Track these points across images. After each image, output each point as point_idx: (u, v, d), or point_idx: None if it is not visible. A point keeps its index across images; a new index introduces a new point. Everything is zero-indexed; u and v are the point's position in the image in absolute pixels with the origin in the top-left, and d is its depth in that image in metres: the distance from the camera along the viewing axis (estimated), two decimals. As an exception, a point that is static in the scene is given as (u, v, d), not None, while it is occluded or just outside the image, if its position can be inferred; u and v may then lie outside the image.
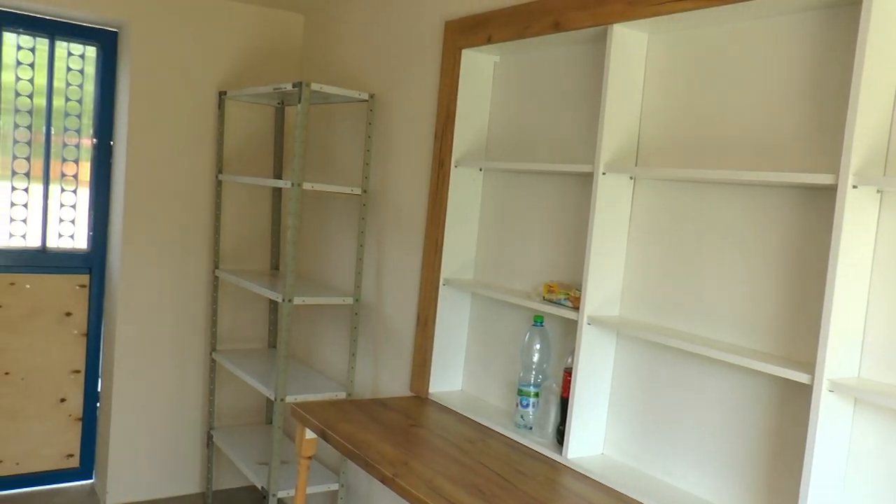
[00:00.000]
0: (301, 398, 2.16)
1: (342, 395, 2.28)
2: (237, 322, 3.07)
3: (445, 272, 1.98)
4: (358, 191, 2.26)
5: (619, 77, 1.48)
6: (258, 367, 2.70)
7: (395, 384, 2.23)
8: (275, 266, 3.08)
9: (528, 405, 1.66)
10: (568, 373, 1.57)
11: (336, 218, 2.80)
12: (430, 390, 1.98)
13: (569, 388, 1.55)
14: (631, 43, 1.49)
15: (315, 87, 2.10)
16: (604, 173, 1.48)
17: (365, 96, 2.27)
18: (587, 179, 1.63)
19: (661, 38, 1.50)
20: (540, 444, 1.60)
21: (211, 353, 2.92)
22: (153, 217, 2.83)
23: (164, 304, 2.89)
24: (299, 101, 2.07)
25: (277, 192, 2.93)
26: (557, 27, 1.58)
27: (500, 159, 1.89)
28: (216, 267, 2.92)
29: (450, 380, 2.03)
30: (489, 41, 1.79)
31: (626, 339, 1.54)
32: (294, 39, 3.07)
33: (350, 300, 2.33)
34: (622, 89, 1.48)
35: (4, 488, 2.85)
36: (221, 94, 2.90)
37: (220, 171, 2.92)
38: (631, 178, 1.53)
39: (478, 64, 1.91)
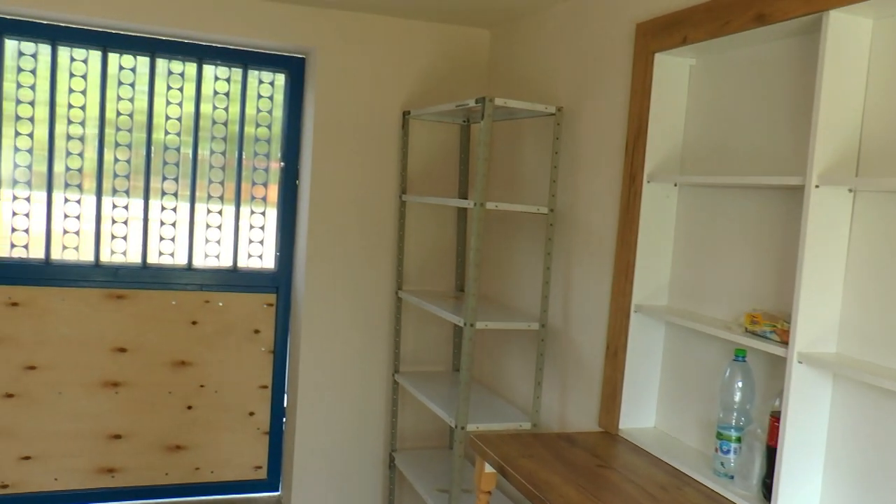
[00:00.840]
0: (483, 427, 2.33)
1: (526, 426, 2.42)
2: (420, 343, 3.34)
3: (637, 298, 2.06)
4: (544, 210, 2.41)
5: (836, 72, 1.45)
6: (440, 391, 2.93)
7: (582, 417, 2.33)
8: (459, 287, 3.32)
9: (728, 451, 1.67)
10: (775, 418, 1.56)
11: (521, 238, 2.97)
12: (620, 426, 2.07)
13: (776, 435, 1.53)
14: (851, 31, 1.44)
15: (499, 101, 2.30)
16: (817, 186, 1.45)
17: (552, 110, 2.46)
18: (797, 194, 1.62)
19: (891, 23, 1.43)
20: (743, 496, 1.60)
21: (393, 375, 3.22)
22: (337, 237, 3.19)
23: (347, 324, 3.23)
24: (483, 118, 2.24)
25: (462, 212, 3.16)
26: (761, 20, 1.59)
27: (696, 173, 1.94)
28: (399, 288, 3.21)
29: (641, 416, 2.09)
30: (684, 42, 1.84)
31: (846, 381, 1.49)
32: (479, 56, 3.31)
33: (535, 325, 2.47)
34: (840, 86, 1.45)
35: (201, 494, 3.34)
36: (405, 114, 3.20)
37: (403, 192, 3.22)
38: (850, 190, 1.49)
39: (672, 68, 1.97)
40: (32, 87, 3.32)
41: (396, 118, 3.10)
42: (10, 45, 3.33)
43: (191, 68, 3.18)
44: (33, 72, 3.33)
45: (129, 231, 3.18)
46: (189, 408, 3.54)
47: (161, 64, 3.14)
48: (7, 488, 3.20)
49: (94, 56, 3.18)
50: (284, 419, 3.29)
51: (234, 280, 3.20)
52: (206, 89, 3.14)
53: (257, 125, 3.19)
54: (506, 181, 2.97)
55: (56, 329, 3.37)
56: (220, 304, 3.30)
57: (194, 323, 3.36)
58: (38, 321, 3.38)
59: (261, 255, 3.25)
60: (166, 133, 3.16)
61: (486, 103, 2.25)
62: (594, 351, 2.30)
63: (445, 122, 3.08)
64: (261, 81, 3.20)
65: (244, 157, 3.18)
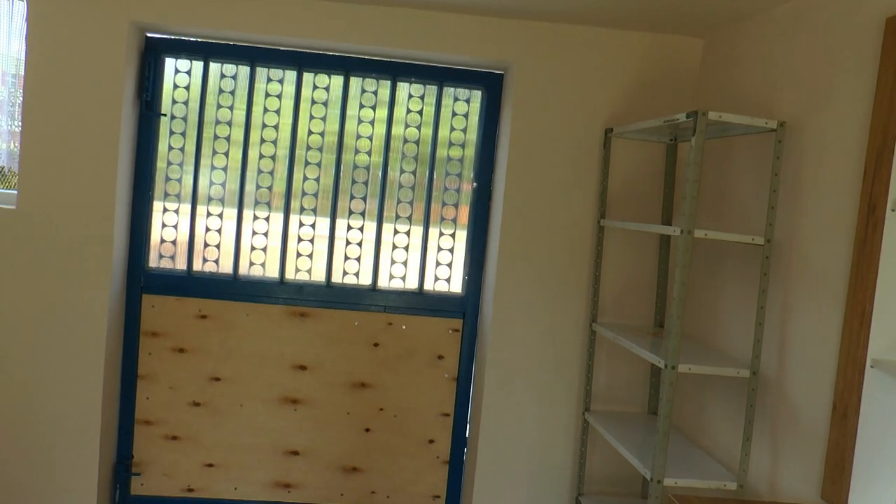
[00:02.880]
0: (682, 482, 2.36)
1: (731, 486, 2.42)
2: (613, 380, 3.42)
3: (874, 350, 1.95)
4: (760, 240, 2.41)
5: None
6: (634, 436, 2.99)
7: (800, 484, 2.30)
8: (658, 323, 3.37)
9: None
10: None
11: (729, 271, 2.95)
12: (850, 502, 1.99)
13: None
14: None
15: (713, 116, 2.29)
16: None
17: (772, 125, 2.41)
18: None
19: None
20: None
21: (584, 413, 3.31)
22: (528, 262, 3.34)
23: (535, 355, 3.37)
24: (693, 134, 2.25)
25: (665, 240, 3.20)
26: None
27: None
28: (594, 320, 3.29)
29: (879, 491, 2.01)
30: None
31: None
32: (688, 67, 3.35)
33: (745, 373, 2.46)
34: None
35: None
36: (607, 132, 3.28)
37: (602, 216, 3.29)
38: None
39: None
40: (231, 108, 3.75)
41: (597, 136, 3.20)
42: (214, 67, 3.78)
43: (383, 88, 3.44)
44: (232, 93, 3.76)
45: (315, 249, 3.49)
46: (367, 430, 3.83)
47: (354, 83, 3.42)
48: (193, 492, 3.63)
49: (290, 76, 3.53)
50: (466, 449, 3.47)
51: (419, 303, 3.43)
52: (399, 107, 3.39)
53: (450, 144, 3.41)
54: (714, 207, 2.97)
55: (240, 343, 3.78)
56: (404, 327, 3.54)
57: (376, 345, 3.63)
58: (224, 334, 3.81)
59: (448, 278, 3.46)
60: (356, 152, 3.44)
61: (699, 118, 2.26)
62: (816, 408, 2.26)
63: (649, 141, 3.14)
64: (456, 99, 3.41)
65: (435, 176, 3.40)
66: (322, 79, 3.43)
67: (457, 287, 3.43)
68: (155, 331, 3.84)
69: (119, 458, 3.43)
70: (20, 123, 3.60)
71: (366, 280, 3.41)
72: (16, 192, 3.62)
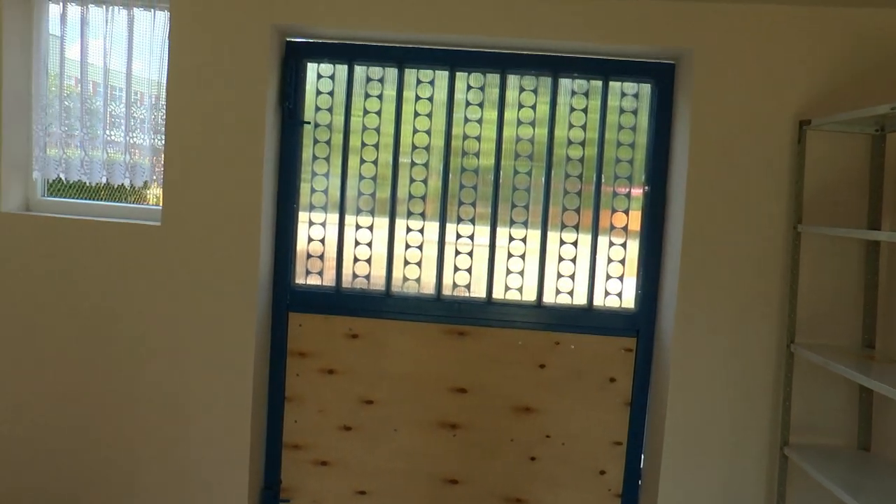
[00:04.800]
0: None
1: None
2: (812, 408, 3.33)
3: None
4: None
5: None
6: (844, 473, 2.83)
7: None
8: (867, 343, 3.18)
9: None
10: None
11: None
12: None
13: None
14: None
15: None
16: None
17: None
18: None
19: None
20: None
21: (782, 448, 3.16)
22: (713, 275, 3.26)
23: (722, 379, 3.30)
24: None
25: (873, 247, 3.01)
26: None
27: None
28: (791, 340, 3.14)
29: None
30: None
31: None
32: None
33: None
34: None
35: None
36: (803, 125, 3.12)
37: (798, 221, 3.14)
38: None
39: None
40: (378, 113, 3.77)
41: (789, 130, 3.04)
42: (359, 70, 3.80)
43: (543, 86, 3.37)
44: (379, 97, 3.77)
45: (474, 263, 3.46)
46: (532, 459, 3.79)
47: (512, 81, 3.38)
48: (343, 524, 3.69)
49: (441, 77, 3.50)
50: (640, 482, 3.38)
51: (587, 320, 3.37)
52: (561, 106, 3.32)
53: (618, 144, 3.32)
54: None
55: (394, 364, 3.80)
56: (572, 346, 3.48)
57: (542, 366, 3.59)
58: (376, 354, 3.84)
59: (619, 292, 3.38)
60: (516, 156, 3.39)
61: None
62: None
63: (850, 133, 2.96)
64: (623, 94, 3.31)
65: (602, 181, 3.31)
66: (476, 78, 3.38)
67: (629, 303, 3.33)
68: (302, 351, 3.91)
69: (267, 484, 3.53)
70: (162, 139, 3.72)
71: (530, 296, 3.36)
72: (160, 208, 3.74)
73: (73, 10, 3.96)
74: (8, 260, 3.57)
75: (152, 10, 3.87)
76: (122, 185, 3.97)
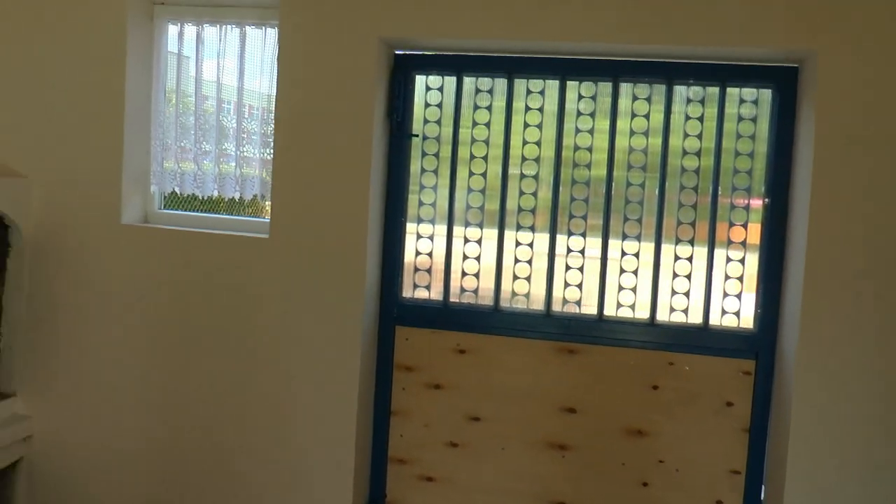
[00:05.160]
0: None
1: None
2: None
3: None
4: None
5: None
6: None
7: None
8: None
9: None
10: None
11: None
12: None
13: None
14: None
15: None
16: None
17: None
18: None
19: None
20: None
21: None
22: (843, 292, 3.18)
23: (857, 408, 3.22)
24: None
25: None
26: None
27: None
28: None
29: None
30: None
31: None
32: None
33: None
34: None
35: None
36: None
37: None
38: None
39: None
40: (487, 125, 3.76)
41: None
42: (467, 82, 3.80)
43: (655, 97, 3.29)
44: (488, 108, 3.76)
45: (585, 278, 3.40)
46: (644, 484, 3.69)
47: (625, 89, 3.31)
48: (449, 543, 3.67)
49: (551, 86, 3.47)
50: (761, 513, 3.23)
51: (703, 340, 3.25)
52: (676, 114, 3.23)
53: (736, 154, 3.20)
54: None
55: (502, 381, 3.77)
56: (686, 367, 3.37)
57: (655, 387, 3.49)
58: (483, 371, 3.82)
59: (738, 311, 3.25)
60: (629, 167, 3.32)
61: None
62: None
63: None
64: (741, 100, 3.20)
65: (719, 192, 3.20)
66: (588, 87, 3.33)
67: (748, 322, 3.19)
68: (409, 365, 3.93)
69: (372, 497, 3.54)
70: (271, 152, 3.81)
71: (643, 313, 3.27)
72: (268, 220, 3.83)
73: (190, 30, 4.11)
74: (126, 269, 3.69)
75: (263, 28, 3.97)
76: (247, 197, 4.09)
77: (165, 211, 4.23)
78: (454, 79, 3.43)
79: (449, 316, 3.52)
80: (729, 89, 3.22)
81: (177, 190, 4.13)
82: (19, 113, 4.08)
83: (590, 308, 3.39)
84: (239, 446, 3.56)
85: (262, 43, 3.96)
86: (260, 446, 3.57)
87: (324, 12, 3.63)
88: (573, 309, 3.42)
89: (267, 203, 4.11)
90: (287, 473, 3.56)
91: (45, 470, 4.09)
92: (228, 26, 3.99)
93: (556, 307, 3.42)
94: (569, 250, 3.39)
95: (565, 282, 3.41)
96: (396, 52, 3.86)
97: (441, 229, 3.51)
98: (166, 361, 3.82)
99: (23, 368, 4.14)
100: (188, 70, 4.10)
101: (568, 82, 3.34)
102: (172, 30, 4.11)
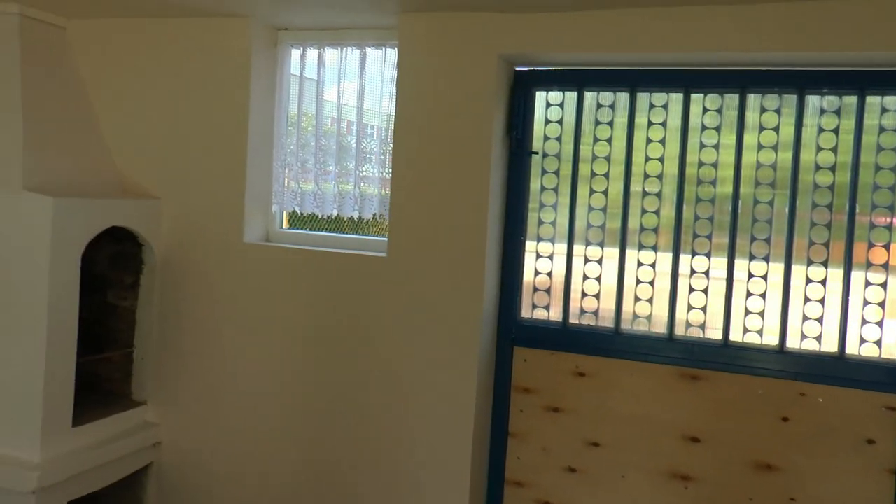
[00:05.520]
0: None
1: None
2: None
3: None
4: None
5: None
6: None
7: None
8: None
9: None
10: None
11: None
12: None
13: None
14: None
15: None
16: None
17: None
18: None
19: None
20: None
21: None
22: None
23: None
24: None
25: None
26: None
27: None
28: None
29: None
30: None
31: None
32: None
33: None
34: None
35: None
36: None
37: None
38: None
39: None
40: (609, 141, 3.68)
41: None
42: (588, 97, 3.74)
43: (785, 108, 3.15)
44: (610, 124, 3.68)
45: (709, 301, 3.27)
46: (774, 522, 3.51)
47: (752, 101, 3.18)
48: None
49: (675, 100, 3.37)
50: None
51: (839, 370, 3.07)
52: (808, 127, 3.07)
53: (877, 168, 3.02)
54: None
55: (621, 406, 3.68)
56: (820, 399, 3.19)
57: (784, 419, 3.32)
58: (602, 395, 3.73)
59: (878, 340, 3.04)
60: (757, 184, 3.19)
61: None
62: None
63: None
64: (883, 110, 3.01)
65: (857, 210, 3.01)
66: (713, 100, 3.21)
67: (891, 351, 2.99)
68: (527, 386, 3.88)
69: (489, 520, 3.47)
70: (390, 171, 3.85)
71: (771, 339, 3.12)
72: (386, 239, 3.87)
73: (311, 53, 4.22)
74: (249, 286, 3.84)
75: (383, 48, 4.03)
76: (366, 216, 4.16)
77: (286, 230, 4.35)
78: (575, 94, 3.39)
79: (568, 337, 3.47)
80: (868, 98, 3.03)
81: (297, 209, 4.24)
82: (153, 139, 4.27)
83: (715, 332, 3.26)
84: (355, 463, 3.66)
85: (382, 63, 4.01)
86: (376, 464, 3.64)
87: (443, 31, 3.59)
88: (697, 333, 3.28)
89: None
90: (403, 492, 3.59)
91: (173, 475, 4.29)
92: (349, 48, 4.07)
93: (679, 331, 3.30)
94: (693, 271, 3.27)
95: (689, 304, 3.28)
96: (516, 69, 3.84)
97: (561, 248, 3.47)
98: (287, 376, 4.00)
99: (153, 378, 4.35)
100: (310, 92, 4.21)
101: (692, 95, 3.24)
102: (295, 54, 4.23)
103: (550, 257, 3.50)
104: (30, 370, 3.65)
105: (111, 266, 4.31)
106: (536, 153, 3.47)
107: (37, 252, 3.59)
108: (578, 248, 3.43)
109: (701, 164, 3.24)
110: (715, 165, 3.24)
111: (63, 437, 3.80)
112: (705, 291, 3.29)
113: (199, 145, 4.17)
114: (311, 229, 4.19)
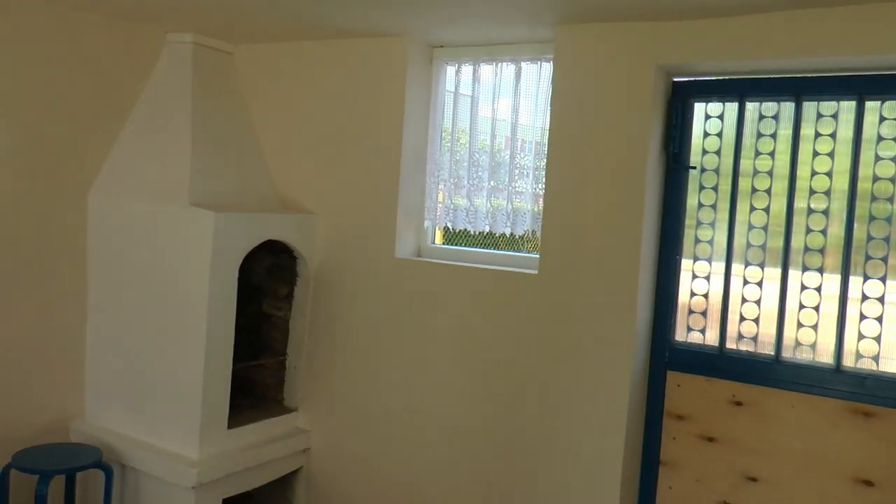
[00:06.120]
0: None
1: None
2: None
3: None
4: None
5: None
6: None
7: None
8: None
9: None
10: None
11: None
12: None
13: None
14: None
15: None
16: None
17: None
18: None
19: None
20: None
21: None
22: None
23: None
24: None
25: None
26: None
27: None
28: None
29: None
30: None
31: None
32: None
33: None
34: None
35: None
36: None
37: None
38: None
39: None
40: (771, 154, 3.41)
41: None
42: (750, 108, 3.48)
43: None
44: (773, 136, 3.42)
45: (884, 329, 2.95)
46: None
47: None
48: None
49: (846, 108, 3.11)
50: None
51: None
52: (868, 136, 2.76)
53: None
54: None
55: (783, 440, 3.40)
56: None
57: (973, 464, 2.92)
58: (761, 427, 3.46)
59: None
60: (942, 200, 2.83)
61: None
62: None
63: None
64: None
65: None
66: (891, 107, 2.91)
67: None
68: (680, 413, 3.65)
69: (639, 550, 3.31)
70: (543, 186, 3.73)
71: (957, 374, 2.76)
72: (538, 255, 3.75)
73: (466, 69, 4.19)
74: (399, 300, 3.90)
75: (538, 62, 3.93)
76: (518, 233, 4.06)
77: (438, 245, 4.31)
78: (735, 105, 3.19)
79: (725, 363, 3.25)
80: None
81: (449, 225, 4.20)
82: (310, 156, 4.39)
83: (890, 365, 2.93)
84: (502, 481, 3.62)
85: (537, 77, 3.92)
86: (524, 484, 3.60)
87: (600, 41, 3.55)
88: (869, 365, 2.98)
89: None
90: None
91: (321, 480, 4.37)
92: (504, 63, 4.00)
93: (848, 361, 3.00)
94: (864, 296, 2.97)
95: (859, 333, 2.98)
96: (674, 80, 3.65)
97: (719, 268, 3.25)
98: (435, 390, 4.02)
99: (304, 386, 4.46)
100: (464, 108, 4.17)
101: (867, 103, 2.96)
102: (450, 70, 4.21)
103: (707, 278, 3.27)
104: (190, 373, 3.80)
105: (267, 277, 4.43)
106: (694, 168, 3.26)
107: (199, 262, 3.75)
108: (737, 269, 3.23)
109: (875, 178, 2.95)
110: (892, 180, 2.93)
111: (219, 438, 3.95)
112: (879, 319, 2.98)
113: (353, 162, 4.22)
114: (462, 245, 4.11)
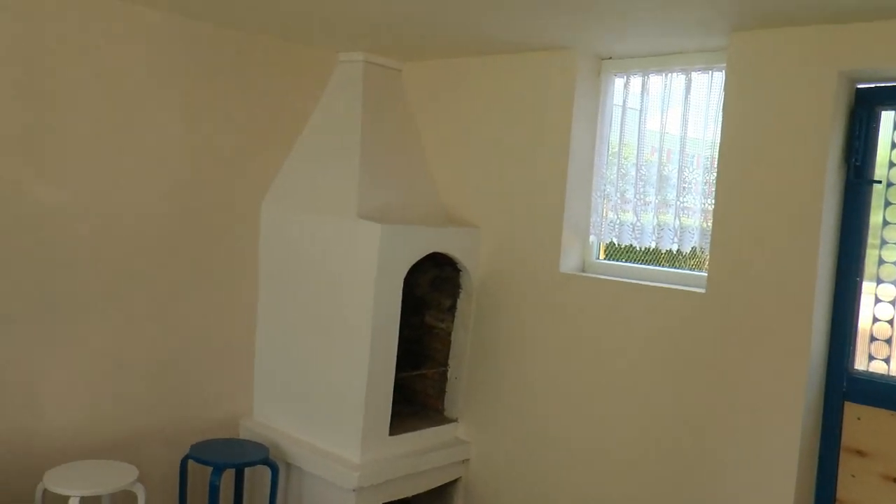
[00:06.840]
0: None
1: None
2: None
3: None
4: None
5: None
6: None
7: None
8: None
9: None
10: None
11: None
12: None
13: None
14: None
15: None
16: None
17: None
18: None
19: None
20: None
21: None
22: None
23: None
24: None
25: None
26: None
27: None
28: None
29: None
30: None
31: None
32: None
33: None
34: None
35: None
36: None
37: None
38: None
39: None
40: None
41: None
42: (886, 117, 3.22)
43: None
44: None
45: None
46: None
47: None
48: None
49: None
50: None
51: None
52: None
53: None
54: None
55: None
56: None
57: None
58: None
59: None
60: None
61: None
62: None
63: None
64: None
65: None
66: None
67: None
68: (860, 449, 3.33)
69: None
70: (713, 201, 3.53)
71: None
72: (706, 274, 3.55)
73: (635, 81, 4.05)
74: (563, 315, 3.82)
75: (709, 72, 3.74)
76: (685, 249, 3.87)
77: (602, 261, 4.18)
78: (928, 113, 2.86)
79: (913, 397, 2.94)
80: None
81: (615, 240, 4.07)
82: (475, 170, 4.38)
83: None
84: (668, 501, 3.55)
85: (708, 88, 3.73)
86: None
87: (776, 49, 3.32)
88: None
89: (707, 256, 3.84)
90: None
91: (481, 491, 4.32)
92: (674, 74, 3.84)
93: None
94: None
95: None
96: (858, 86, 3.36)
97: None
98: (596, 407, 3.86)
99: (465, 398, 4.44)
100: (631, 121, 4.03)
101: None
102: (618, 82, 4.08)
103: (893, 303, 2.98)
104: (355, 380, 3.90)
105: (431, 289, 4.47)
106: (879, 182, 2.99)
107: (365, 273, 3.84)
108: (870, 282, 2.97)
109: None
110: None
111: (381, 443, 4.01)
112: None
113: (519, 176, 4.19)
114: (627, 260, 3.96)
